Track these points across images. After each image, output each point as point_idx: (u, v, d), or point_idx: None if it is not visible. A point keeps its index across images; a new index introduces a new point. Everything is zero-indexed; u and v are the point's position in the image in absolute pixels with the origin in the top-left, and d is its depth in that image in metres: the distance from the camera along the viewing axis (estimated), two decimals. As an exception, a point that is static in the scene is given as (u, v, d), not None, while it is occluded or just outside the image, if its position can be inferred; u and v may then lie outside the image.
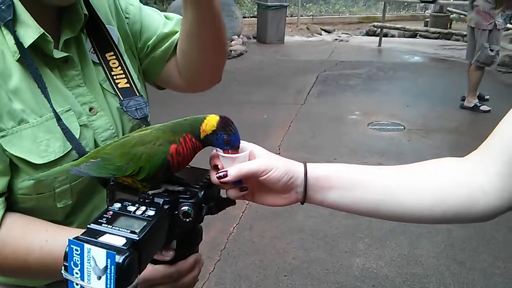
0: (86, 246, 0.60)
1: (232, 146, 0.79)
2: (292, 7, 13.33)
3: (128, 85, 0.98)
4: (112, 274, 0.59)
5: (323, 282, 2.82)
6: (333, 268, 2.94)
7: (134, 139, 0.79)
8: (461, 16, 11.25)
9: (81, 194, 0.94)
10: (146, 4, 1.14)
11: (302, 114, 5.80)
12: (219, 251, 3.08)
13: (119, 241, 0.63)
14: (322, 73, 7.76)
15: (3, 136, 0.82)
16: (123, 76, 0.98)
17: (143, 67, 1.12)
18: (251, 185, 0.82)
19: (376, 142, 4.94)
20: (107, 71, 0.97)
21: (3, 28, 0.84)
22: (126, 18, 1.06)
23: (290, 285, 2.80)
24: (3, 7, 0.83)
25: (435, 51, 9.84)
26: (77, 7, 0.92)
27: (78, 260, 0.61)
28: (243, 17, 11.08)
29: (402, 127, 5.34)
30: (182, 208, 0.78)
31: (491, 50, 5.53)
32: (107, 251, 0.59)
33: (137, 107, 0.98)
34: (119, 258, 0.60)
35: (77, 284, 0.61)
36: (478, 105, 5.84)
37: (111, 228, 0.66)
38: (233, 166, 0.78)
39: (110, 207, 0.72)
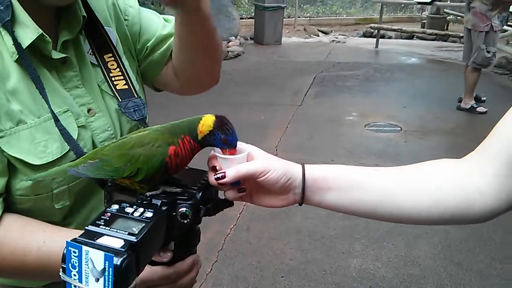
0: (84, 248, 0.60)
1: (230, 145, 0.79)
2: (290, 8, 13.35)
3: (126, 86, 0.98)
4: (110, 276, 0.59)
5: (320, 283, 2.82)
6: (330, 269, 2.95)
7: (132, 140, 0.79)
8: (458, 17, 11.30)
9: (79, 195, 0.94)
10: (143, 5, 1.14)
11: (299, 115, 5.80)
12: (216, 252, 3.08)
13: (117, 243, 0.63)
14: (319, 74, 7.77)
15: (1, 137, 0.82)
16: (122, 77, 0.98)
17: (142, 69, 1.12)
18: (249, 187, 0.82)
19: (373, 143, 4.94)
20: (105, 73, 0.97)
21: (1, 29, 0.84)
22: (125, 20, 1.07)
23: (287, 286, 2.80)
24: (1, 8, 0.83)
25: (432, 53, 9.87)
26: (75, 9, 0.92)
27: (76, 262, 0.61)
28: (241, 18, 11.08)
29: (399, 128, 5.35)
30: (180, 210, 0.78)
31: (488, 52, 5.54)
32: (105, 253, 0.59)
33: (135, 109, 0.98)
34: (117, 260, 0.60)
35: (75, 286, 0.61)
36: (475, 106, 5.86)
37: (109, 230, 0.66)
38: (231, 168, 0.77)
39: (108, 209, 0.72)
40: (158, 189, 0.80)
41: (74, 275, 0.61)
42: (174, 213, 0.78)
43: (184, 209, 0.78)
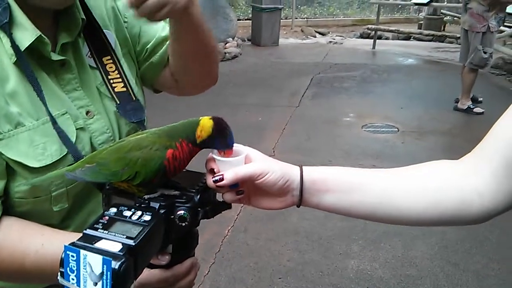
0: (82, 252, 0.60)
1: (228, 146, 0.80)
2: (287, 9, 13.35)
3: (124, 89, 0.98)
4: (108, 280, 0.59)
5: (318, 284, 2.82)
6: (327, 270, 2.95)
7: (130, 143, 0.79)
8: (455, 18, 11.32)
9: (77, 197, 0.94)
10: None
11: (297, 116, 5.80)
12: (214, 254, 3.07)
13: (115, 247, 0.63)
14: (317, 76, 7.78)
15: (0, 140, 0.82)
16: (120, 80, 0.98)
17: (142, 71, 1.13)
18: (247, 189, 0.82)
19: (371, 144, 4.95)
20: (104, 75, 0.97)
21: None
22: (125, 22, 1.07)
23: (285, 288, 2.80)
24: None
25: (429, 54, 9.89)
26: (74, 12, 0.92)
27: (74, 266, 0.61)
28: (238, 20, 11.09)
29: (396, 129, 5.36)
30: (178, 213, 0.78)
31: (485, 53, 5.56)
32: (103, 257, 0.59)
33: (134, 111, 0.98)
34: (115, 264, 0.60)
35: (73, 290, 0.61)
36: (472, 107, 5.87)
37: (107, 233, 0.66)
38: (229, 170, 0.78)
39: (106, 212, 0.72)
40: (156, 192, 0.80)
41: (72, 279, 0.61)
42: (172, 216, 0.78)
43: (182, 212, 0.78)
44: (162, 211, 0.77)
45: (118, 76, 0.98)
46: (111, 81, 0.97)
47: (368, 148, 4.83)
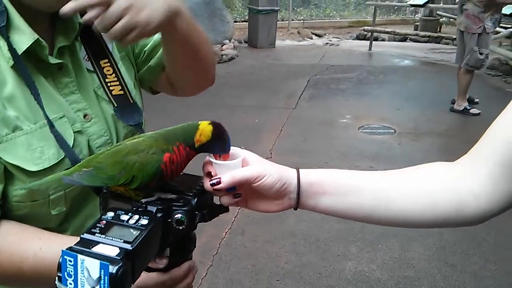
0: (80, 257, 0.60)
1: (225, 151, 0.81)
2: (283, 11, 13.36)
3: (122, 92, 0.98)
4: (106, 285, 0.59)
5: (316, 286, 2.82)
6: (325, 272, 2.95)
7: (126, 147, 0.79)
8: (451, 19, 11.37)
9: (75, 201, 0.94)
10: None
11: (293, 118, 5.81)
12: (211, 256, 3.07)
13: (113, 251, 0.63)
14: (313, 77, 7.79)
15: None
16: (117, 83, 0.98)
17: (140, 74, 1.13)
18: (244, 192, 0.82)
19: (367, 146, 4.96)
20: (101, 78, 0.97)
21: None
22: None
23: (283, 290, 2.80)
24: None
25: (425, 55, 9.92)
26: (71, 15, 0.92)
27: (71, 271, 0.61)
28: (234, 22, 11.09)
29: (393, 131, 5.37)
30: (175, 216, 0.78)
31: (481, 54, 5.58)
32: (100, 262, 0.59)
33: (131, 114, 0.98)
34: (112, 269, 0.60)
35: (70, 295, 0.61)
36: (468, 108, 5.89)
37: (105, 237, 0.66)
38: (227, 173, 0.78)
39: (103, 216, 0.72)
40: (154, 195, 0.80)
41: (70, 283, 0.61)
42: (170, 220, 0.78)
43: (180, 215, 0.78)
44: (159, 215, 0.77)
45: (116, 79, 0.98)
46: (109, 84, 0.97)
47: (364, 150, 4.84)
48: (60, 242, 0.82)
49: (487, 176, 0.79)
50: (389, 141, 5.09)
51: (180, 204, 0.79)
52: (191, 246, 0.91)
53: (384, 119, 5.73)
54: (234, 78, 7.61)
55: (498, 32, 8.20)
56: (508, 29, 9.24)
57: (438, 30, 12.52)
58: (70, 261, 0.61)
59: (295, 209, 0.85)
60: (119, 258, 0.62)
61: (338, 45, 11.25)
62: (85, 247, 0.63)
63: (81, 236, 0.66)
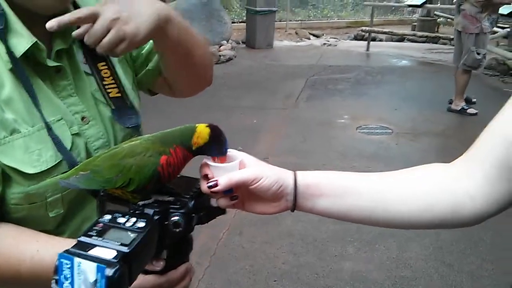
0: (76, 259, 0.60)
1: (222, 154, 0.81)
2: (281, 12, 13.36)
3: (119, 94, 0.98)
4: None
5: (313, 287, 2.83)
6: (323, 272, 2.95)
7: (123, 150, 0.79)
8: (448, 20, 11.38)
9: (72, 203, 0.94)
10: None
11: (292, 118, 5.81)
12: (209, 257, 3.07)
13: (109, 254, 0.63)
14: (311, 78, 7.79)
15: None
16: (115, 85, 0.98)
17: (139, 78, 1.13)
18: (241, 194, 0.82)
19: (365, 146, 4.96)
20: (98, 81, 0.97)
21: None
22: None
23: (281, 290, 2.80)
24: None
25: (423, 55, 9.93)
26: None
27: (68, 274, 0.61)
28: (232, 22, 11.10)
29: (390, 131, 5.38)
30: (172, 219, 0.79)
31: (478, 54, 5.59)
32: (97, 265, 0.59)
33: (129, 117, 0.98)
34: (109, 272, 0.60)
35: (67, 298, 0.61)
36: (465, 108, 5.90)
37: (101, 240, 0.66)
38: (224, 176, 0.78)
39: (100, 219, 0.72)
40: (151, 198, 0.80)
41: (67, 286, 0.61)
42: (167, 222, 0.78)
43: (177, 217, 0.78)
44: (156, 217, 0.77)
45: (113, 82, 0.98)
46: (106, 86, 0.97)
47: (362, 150, 4.84)
48: (58, 245, 0.82)
49: (483, 178, 0.79)
50: (387, 141, 5.10)
51: (177, 206, 0.80)
52: (188, 248, 0.91)
53: (382, 119, 5.74)
54: (232, 79, 7.61)
55: (495, 32, 8.23)
56: (505, 29, 9.28)
57: (436, 30, 12.54)
58: (67, 264, 0.61)
59: (292, 211, 0.85)
60: (116, 260, 0.62)
61: (335, 45, 11.26)
62: (82, 249, 0.63)
63: (78, 238, 0.67)
